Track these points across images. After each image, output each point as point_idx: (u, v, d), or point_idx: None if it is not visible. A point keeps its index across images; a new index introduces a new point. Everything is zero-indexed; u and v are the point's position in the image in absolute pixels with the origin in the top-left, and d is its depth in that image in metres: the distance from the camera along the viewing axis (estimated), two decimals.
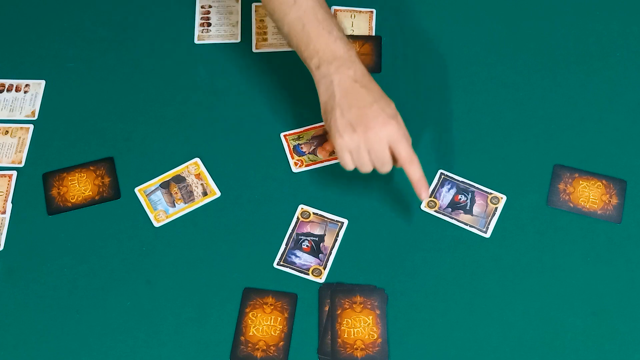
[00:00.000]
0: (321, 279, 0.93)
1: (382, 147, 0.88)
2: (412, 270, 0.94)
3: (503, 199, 0.98)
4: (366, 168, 0.90)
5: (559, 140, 1.04)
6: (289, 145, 1.02)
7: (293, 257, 0.95)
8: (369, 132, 0.87)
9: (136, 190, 0.99)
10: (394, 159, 0.90)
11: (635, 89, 1.08)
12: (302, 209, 0.98)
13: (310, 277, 0.93)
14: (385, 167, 0.90)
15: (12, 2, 1.18)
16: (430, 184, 1.00)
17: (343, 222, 0.97)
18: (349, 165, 0.91)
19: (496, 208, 0.98)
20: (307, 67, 0.93)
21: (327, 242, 0.96)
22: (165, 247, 0.96)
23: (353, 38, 1.12)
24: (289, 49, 1.12)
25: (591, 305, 0.92)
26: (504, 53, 1.11)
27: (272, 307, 0.92)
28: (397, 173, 1.01)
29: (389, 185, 1.00)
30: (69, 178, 1.01)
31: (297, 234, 0.96)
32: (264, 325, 0.91)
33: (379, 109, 0.88)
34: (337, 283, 0.93)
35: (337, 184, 1.01)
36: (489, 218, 0.97)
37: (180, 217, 0.98)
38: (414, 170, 0.89)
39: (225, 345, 0.90)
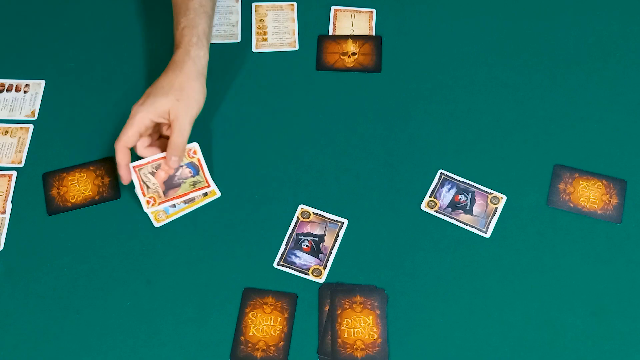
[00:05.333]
0: (321, 279, 0.93)
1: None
2: (412, 270, 0.94)
3: (503, 199, 0.98)
4: None
5: (559, 140, 1.04)
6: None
7: (293, 257, 0.95)
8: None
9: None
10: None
11: (635, 89, 1.08)
12: (302, 209, 0.98)
13: (310, 277, 0.93)
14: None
15: (12, 2, 1.18)
16: (430, 184, 1.00)
17: (343, 222, 0.97)
18: None
19: (496, 208, 0.98)
20: None
21: (327, 242, 0.96)
22: (165, 247, 0.96)
23: (353, 38, 1.12)
24: (289, 49, 1.12)
25: (591, 305, 0.92)
26: (504, 53, 1.11)
27: (272, 307, 0.92)
28: (398, 173, 1.01)
29: (389, 185, 1.00)
30: (69, 178, 1.01)
31: (297, 234, 0.96)
32: (264, 325, 0.91)
33: (145, 95, 0.96)
34: (337, 283, 0.93)
35: (337, 184, 1.01)
36: (489, 218, 0.97)
37: (180, 217, 0.98)
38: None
39: (225, 345, 0.90)
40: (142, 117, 0.94)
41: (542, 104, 1.07)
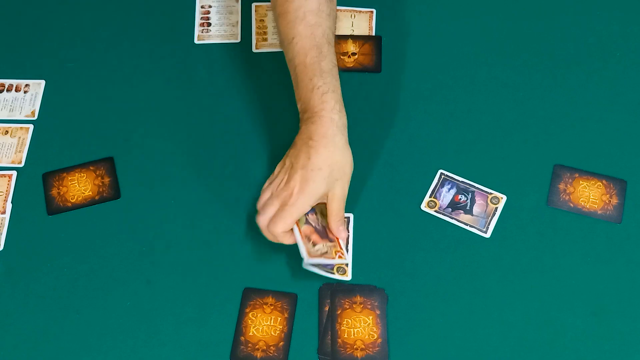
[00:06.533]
0: (347, 277, 0.93)
1: (272, 201, 0.89)
2: (412, 270, 0.94)
3: (503, 199, 0.98)
4: (259, 203, 0.91)
5: (559, 140, 1.04)
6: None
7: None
8: (282, 191, 0.88)
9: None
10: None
11: (635, 89, 1.08)
12: None
13: (337, 277, 0.93)
14: (258, 219, 0.89)
15: (12, 2, 1.18)
16: (430, 184, 1.00)
17: (349, 217, 0.97)
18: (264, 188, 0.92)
19: (496, 208, 0.98)
20: None
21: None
22: (165, 247, 0.96)
23: (353, 38, 1.12)
24: None
25: (591, 305, 0.92)
26: (504, 53, 1.11)
27: (272, 307, 0.92)
28: (398, 173, 1.01)
29: (389, 185, 1.00)
30: (69, 178, 1.01)
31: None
32: (264, 325, 0.91)
33: (300, 178, 0.88)
34: (337, 283, 0.93)
35: None
36: (489, 218, 0.97)
37: (179, 216, 0.98)
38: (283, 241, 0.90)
39: (225, 345, 0.90)
40: (304, 207, 0.88)
41: (542, 104, 1.07)
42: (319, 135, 0.89)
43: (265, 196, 0.91)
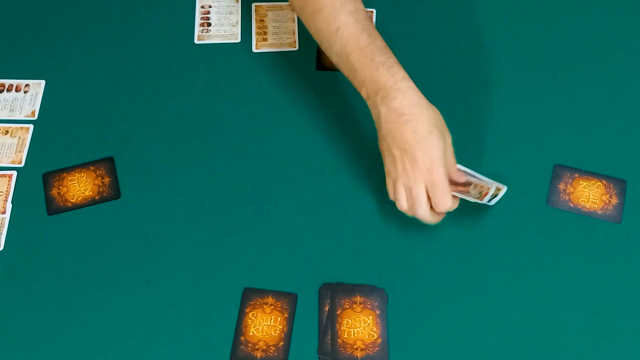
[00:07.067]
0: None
1: (418, 190, 0.88)
2: (412, 270, 0.94)
3: (504, 188, 0.98)
4: (401, 204, 0.90)
5: (559, 140, 1.04)
6: None
7: None
8: (408, 173, 0.87)
9: None
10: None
11: (635, 89, 1.08)
12: None
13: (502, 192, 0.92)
14: (419, 212, 0.89)
15: (12, 2, 1.18)
16: None
17: None
18: (391, 197, 0.91)
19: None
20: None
21: None
22: (165, 247, 0.96)
23: None
24: (289, 49, 1.12)
25: (591, 305, 0.92)
26: (504, 53, 1.11)
27: (272, 307, 0.92)
28: None
29: None
30: (69, 178, 1.01)
31: None
32: (264, 325, 0.91)
33: (421, 151, 0.86)
34: (337, 283, 0.93)
35: (337, 184, 1.00)
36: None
37: (179, 216, 0.98)
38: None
39: (225, 345, 0.90)
40: (445, 175, 0.88)
41: (542, 104, 1.07)
42: (407, 106, 0.87)
43: (402, 197, 0.89)
